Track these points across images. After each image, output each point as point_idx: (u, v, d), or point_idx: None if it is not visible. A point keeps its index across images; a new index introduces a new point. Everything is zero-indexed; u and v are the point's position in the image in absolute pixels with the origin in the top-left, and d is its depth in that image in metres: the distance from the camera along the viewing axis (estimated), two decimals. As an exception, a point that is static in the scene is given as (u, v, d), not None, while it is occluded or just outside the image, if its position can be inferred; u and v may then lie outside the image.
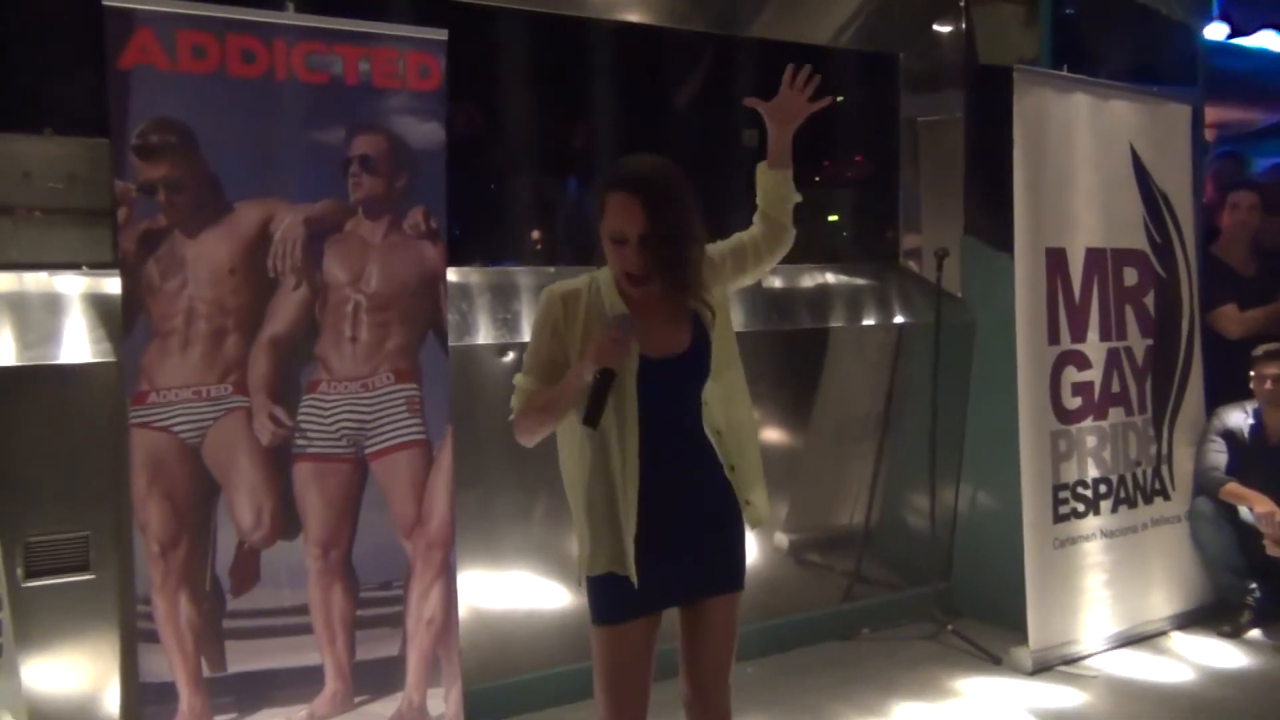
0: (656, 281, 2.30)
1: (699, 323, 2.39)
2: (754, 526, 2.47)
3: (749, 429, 2.48)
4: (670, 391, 2.35)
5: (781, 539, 4.51)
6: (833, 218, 5.45)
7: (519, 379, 2.38)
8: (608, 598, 2.37)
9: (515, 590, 3.81)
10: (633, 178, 2.28)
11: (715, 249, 2.48)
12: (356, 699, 3.24)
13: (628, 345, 2.26)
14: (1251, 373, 4.64)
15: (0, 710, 2.72)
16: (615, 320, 2.28)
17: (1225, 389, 4.81)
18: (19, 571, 2.98)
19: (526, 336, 3.68)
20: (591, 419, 2.24)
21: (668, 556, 2.35)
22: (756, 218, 2.54)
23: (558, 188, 4.73)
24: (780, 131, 2.48)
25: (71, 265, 3.24)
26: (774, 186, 2.51)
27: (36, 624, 3.01)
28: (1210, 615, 4.67)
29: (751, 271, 2.55)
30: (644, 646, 2.39)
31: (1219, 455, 4.65)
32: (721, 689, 2.46)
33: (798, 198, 2.53)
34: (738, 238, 2.53)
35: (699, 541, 2.40)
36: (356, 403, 3.21)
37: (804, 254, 4.89)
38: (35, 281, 3.16)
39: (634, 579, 2.31)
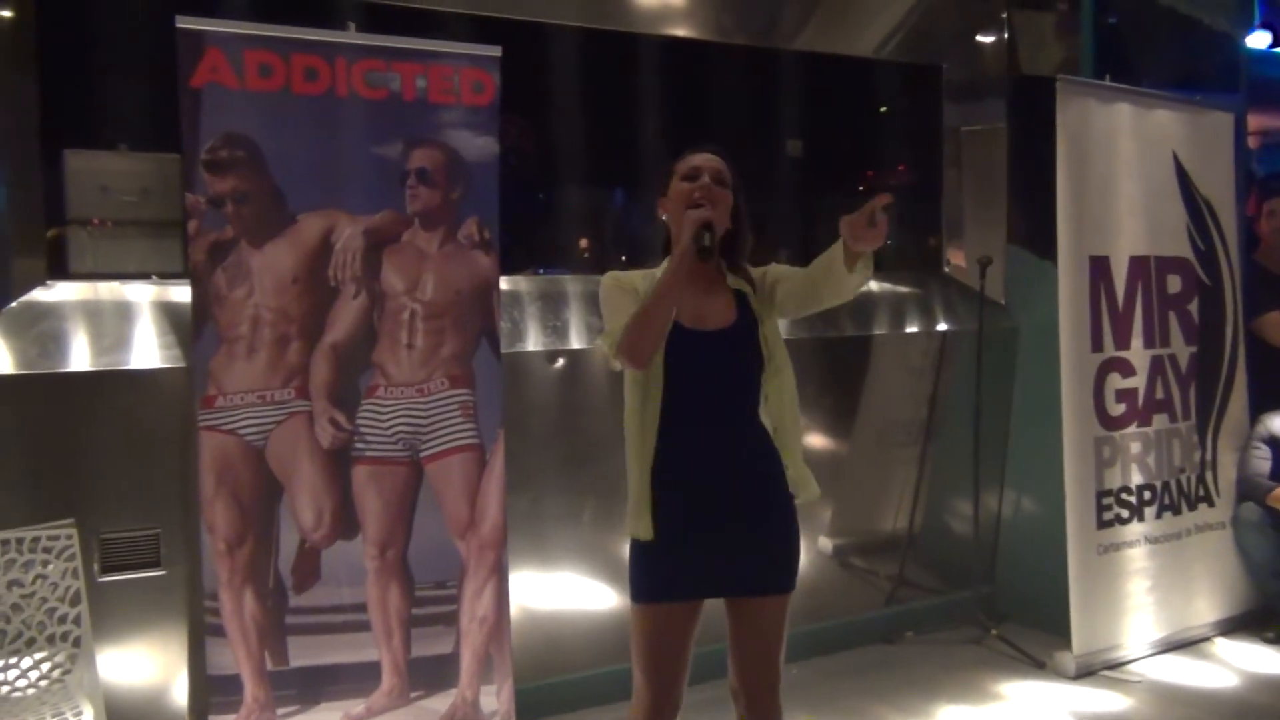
0: (714, 220, 2.34)
1: (746, 305, 2.44)
2: (804, 502, 2.49)
3: (797, 433, 2.49)
4: (706, 364, 2.38)
5: (826, 543, 4.55)
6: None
7: (610, 329, 2.36)
8: (642, 577, 2.41)
9: (565, 591, 3.88)
10: (715, 149, 2.46)
11: (772, 269, 2.51)
12: (412, 694, 3.33)
13: (709, 215, 2.32)
14: (1298, 380, 4.63)
15: (79, 698, 2.83)
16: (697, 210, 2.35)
17: (1269, 395, 4.80)
18: (95, 567, 3.12)
19: (576, 343, 3.80)
20: (708, 250, 2.30)
21: (700, 541, 2.37)
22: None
23: (606, 198, 4.82)
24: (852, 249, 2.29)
25: (142, 275, 3.38)
26: (832, 267, 2.35)
27: (111, 617, 3.14)
28: (1254, 621, 4.65)
29: (787, 303, 2.49)
30: (677, 629, 2.40)
31: (1263, 462, 4.63)
32: (766, 686, 2.47)
33: (851, 287, 2.40)
34: (790, 269, 2.51)
35: (738, 533, 2.39)
36: (412, 407, 3.31)
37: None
38: (109, 290, 3.30)
39: (649, 538, 2.35)
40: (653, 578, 2.39)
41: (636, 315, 2.29)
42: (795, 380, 2.49)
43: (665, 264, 2.42)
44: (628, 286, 2.43)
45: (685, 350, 2.37)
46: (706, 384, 2.39)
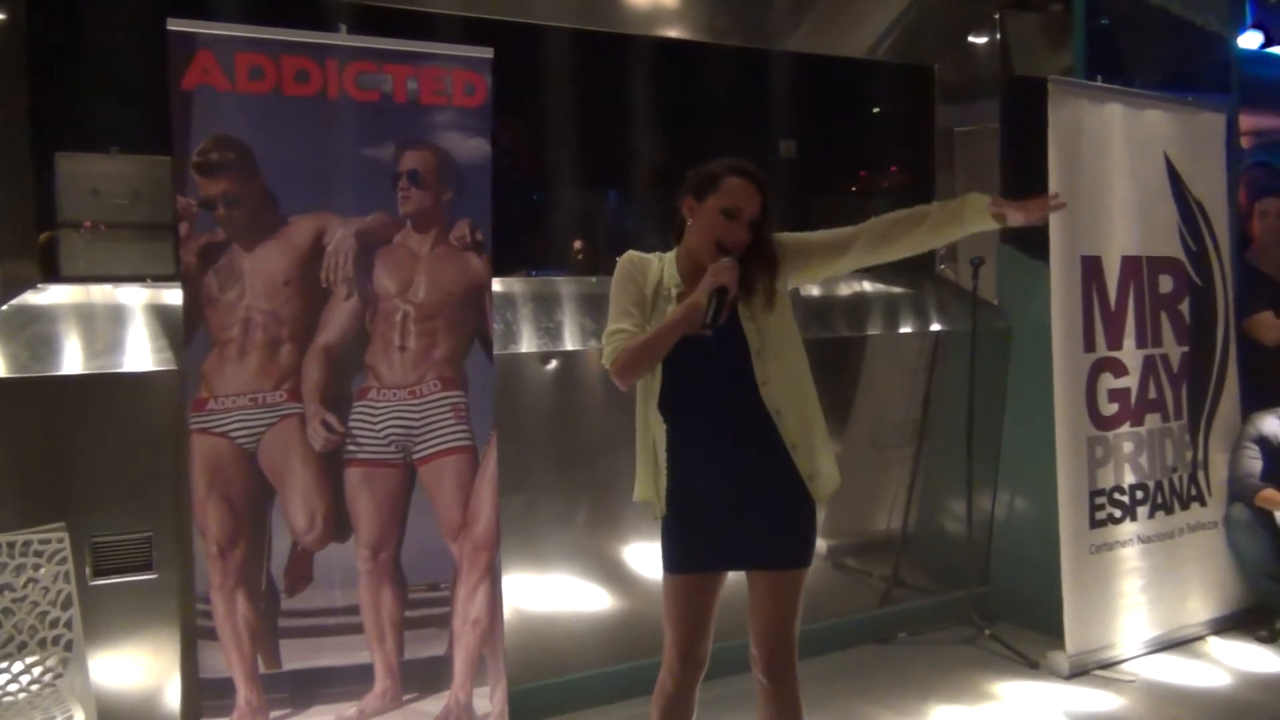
0: (736, 257, 2.51)
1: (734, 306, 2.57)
2: (821, 499, 2.66)
3: (812, 409, 2.64)
4: (697, 359, 2.54)
5: (820, 544, 4.54)
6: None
7: (613, 328, 2.57)
8: (667, 551, 2.65)
9: (558, 592, 3.88)
10: (755, 172, 2.58)
11: (803, 239, 2.64)
12: (405, 697, 3.33)
13: (736, 271, 2.48)
14: (1290, 379, 4.64)
15: (70, 702, 2.83)
16: (725, 258, 2.50)
17: (1260, 395, 4.80)
18: (87, 570, 3.11)
19: (569, 344, 3.79)
20: (713, 324, 2.45)
21: (708, 522, 2.58)
22: (896, 219, 2.65)
23: (599, 199, 4.82)
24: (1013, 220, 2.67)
25: (135, 278, 3.37)
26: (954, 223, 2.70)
27: (103, 621, 3.13)
28: (1247, 620, 4.66)
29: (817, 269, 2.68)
30: (695, 596, 2.61)
31: (1254, 461, 4.64)
32: (778, 653, 2.62)
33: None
34: (840, 232, 2.64)
35: (745, 512, 2.57)
36: (405, 409, 3.31)
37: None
38: (101, 293, 3.29)
39: (661, 513, 2.62)
40: (674, 552, 2.63)
41: (633, 349, 2.51)
42: (806, 365, 2.65)
43: (673, 255, 2.64)
44: (638, 279, 2.61)
45: (678, 347, 2.52)
46: (700, 376, 2.57)
